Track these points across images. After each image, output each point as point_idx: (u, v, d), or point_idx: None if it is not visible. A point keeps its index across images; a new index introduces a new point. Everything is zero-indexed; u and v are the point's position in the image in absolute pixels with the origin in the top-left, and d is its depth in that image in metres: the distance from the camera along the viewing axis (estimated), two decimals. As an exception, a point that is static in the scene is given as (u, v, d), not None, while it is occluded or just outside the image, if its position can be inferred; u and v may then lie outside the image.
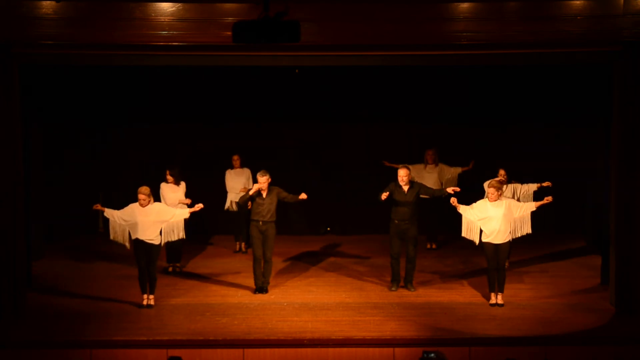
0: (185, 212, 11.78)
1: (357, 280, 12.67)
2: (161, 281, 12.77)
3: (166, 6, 10.95)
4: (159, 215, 11.56)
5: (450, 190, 11.92)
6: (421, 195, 12.24)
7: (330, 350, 10.51)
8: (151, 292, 11.68)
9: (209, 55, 11.44)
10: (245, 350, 10.49)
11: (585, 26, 11.02)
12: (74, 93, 14.72)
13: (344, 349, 10.52)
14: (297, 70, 13.76)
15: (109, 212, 11.56)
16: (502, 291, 11.73)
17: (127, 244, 11.62)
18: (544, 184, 12.80)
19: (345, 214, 15.49)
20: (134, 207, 11.51)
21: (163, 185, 12.89)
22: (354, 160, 15.44)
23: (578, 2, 11.02)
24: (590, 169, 14.52)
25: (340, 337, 10.61)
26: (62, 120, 14.82)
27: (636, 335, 10.75)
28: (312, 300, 11.93)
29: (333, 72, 13.87)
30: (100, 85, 14.65)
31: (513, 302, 11.84)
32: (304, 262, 13.91)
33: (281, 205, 15.12)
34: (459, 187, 12.27)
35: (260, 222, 12.10)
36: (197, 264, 13.65)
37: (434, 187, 13.13)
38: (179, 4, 10.94)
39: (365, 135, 15.35)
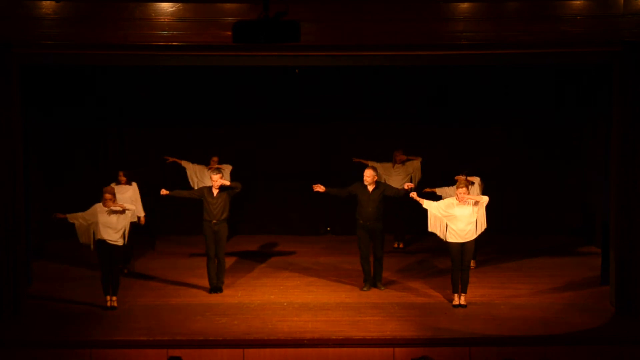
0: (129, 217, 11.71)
1: (357, 280, 12.65)
2: (162, 281, 12.79)
3: (166, 6, 10.95)
4: (122, 217, 11.49)
5: (405, 186, 11.97)
6: (386, 194, 12.23)
7: (330, 350, 10.51)
8: (114, 294, 11.59)
9: (209, 55, 11.44)
10: (245, 350, 10.49)
11: (585, 26, 11.02)
12: (75, 93, 14.72)
13: (344, 349, 10.52)
14: (297, 70, 13.76)
15: (72, 217, 11.54)
16: (465, 292, 11.69)
17: (92, 245, 11.57)
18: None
19: (345, 214, 15.46)
20: (97, 207, 11.47)
21: (115, 186, 12.76)
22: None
23: (578, 2, 11.02)
24: (591, 169, 14.54)
25: (340, 337, 10.61)
26: (64, 120, 14.82)
27: (636, 335, 10.75)
28: (312, 300, 11.93)
29: (333, 72, 13.88)
30: (101, 86, 14.65)
31: (513, 302, 11.84)
32: (304, 262, 13.91)
33: (282, 206, 15.14)
34: (433, 187, 12.79)
35: (213, 222, 12.07)
36: (196, 264, 13.63)
37: (401, 185, 13.23)
38: (179, 4, 10.94)
39: (365, 135, 15.35)
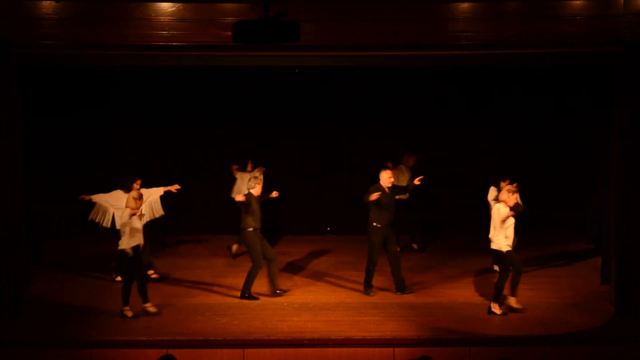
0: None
1: (357, 280, 12.65)
2: (162, 281, 12.80)
3: (166, 6, 10.96)
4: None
5: (416, 181, 11.88)
6: (397, 197, 12.20)
7: (330, 350, 10.51)
8: (147, 300, 11.38)
9: (209, 55, 11.45)
10: (245, 350, 10.50)
11: (585, 26, 11.03)
12: (75, 94, 14.74)
13: (344, 349, 10.52)
14: (297, 70, 13.76)
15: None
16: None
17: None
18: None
19: (345, 214, 15.48)
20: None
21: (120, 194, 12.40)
22: (355, 160, 15.45)
23: (578, 2, 11.03)
24: (591, 169, 14.54)
25: (340, 337, 10.61)
26: (64, 120, 14.83)
27: (636, 335, 10.75)
28: (312, 300, 11.94)
29: (333, 72, 13.89)
30: (101, 86, 14.66)
31: (513, 302, 11.86)
32: (304, 262, 13.92)
33: (282, 205, 15.09)
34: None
35: (259, 229, 11.95)
36: (197, 264, 13.65)
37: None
38: (179, 4, 10.95)
39: (365, 135, 15.36)
